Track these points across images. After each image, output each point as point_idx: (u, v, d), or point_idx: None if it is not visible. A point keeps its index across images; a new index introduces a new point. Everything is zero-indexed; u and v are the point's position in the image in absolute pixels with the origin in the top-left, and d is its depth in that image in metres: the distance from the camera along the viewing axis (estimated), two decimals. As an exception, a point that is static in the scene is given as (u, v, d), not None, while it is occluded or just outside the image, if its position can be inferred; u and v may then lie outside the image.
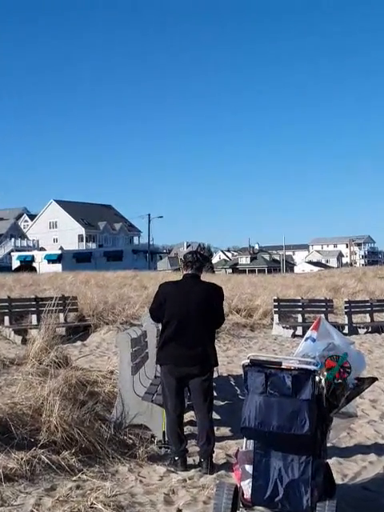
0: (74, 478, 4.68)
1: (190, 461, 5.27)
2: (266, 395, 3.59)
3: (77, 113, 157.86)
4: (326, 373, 3.70)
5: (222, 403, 7.59)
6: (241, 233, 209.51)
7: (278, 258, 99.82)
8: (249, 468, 3.70)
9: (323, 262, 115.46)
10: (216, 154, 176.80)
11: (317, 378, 3.60)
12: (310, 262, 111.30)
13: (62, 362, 7.91)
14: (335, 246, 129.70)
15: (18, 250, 71.95)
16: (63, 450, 5.04)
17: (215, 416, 6.52)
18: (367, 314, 16.85)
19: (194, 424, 5.80)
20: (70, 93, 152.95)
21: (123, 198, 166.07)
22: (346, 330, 15.18)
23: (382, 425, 6.75)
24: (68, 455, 4.97)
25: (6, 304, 13.31)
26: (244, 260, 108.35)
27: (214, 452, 5.22)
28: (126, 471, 5.00)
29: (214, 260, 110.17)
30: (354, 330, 15.58)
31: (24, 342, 11.22)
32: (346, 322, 15.78)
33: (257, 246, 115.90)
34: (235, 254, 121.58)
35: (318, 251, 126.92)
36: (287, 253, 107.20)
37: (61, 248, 72.86)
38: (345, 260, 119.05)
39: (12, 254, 68.99)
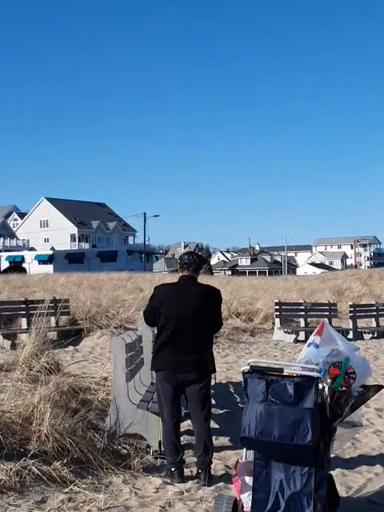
0: (66, 490, 4.58)
1: (187, 472, 5.16)
2: (267, 403, 3.48)
3: (69, 108, 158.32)
4: (329, 380, 3.58)
5: (221, 412, 7.49)
6: (241, 233, 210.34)
7: (280, 260, 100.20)
8: (249, 480, 3.62)
9: (327, 263, 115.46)
10: (215, 151, 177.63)
11: (320, 386, 3.48)
12: (313, 264, 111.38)
13: (53, 368, 7.79)
14: (339, 246, 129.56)
15: (7, 250, 71.48)
16: (54, 461, 4.92)
17: (214, 425, 6.43)
18: (373, 319, 16.68)
19: (191, 433, 5.70)
20: (63, 88, 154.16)
21: (118, 196, 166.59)
22: (350, 335, 15.07)
23: (388, 435, 6.65)
24: (59, 466, 4.85)
25: (-5, 307, 13.14)
26: (244, 261, 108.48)
27: (212, 463, 5.11)
28: (120, 483, 4.88)
29: (213, 261, 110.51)
30: (358, 336, 15.45)
31: (13, 346, 11.10)
32: (351, 326, 15.64)
33: (257, 247, 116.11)
34: (235, 254, 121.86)
35: (321, 252, 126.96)
36: (289, 254, 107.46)
37: (52, 248, 72.57)
38: (349, 262, 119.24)
39: (1, 254, 68.05)
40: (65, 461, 4.92)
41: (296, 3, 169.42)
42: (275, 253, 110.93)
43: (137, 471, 5.14)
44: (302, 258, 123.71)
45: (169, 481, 4.97)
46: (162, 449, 5.35)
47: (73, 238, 79.65)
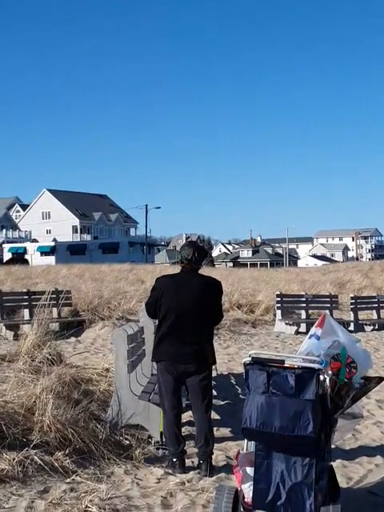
0: (68, 480, 4.59)
1: (188, 463, 5.16)
2: (268, 395, 3.48)
3: (70, 100, 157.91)
4: (331, 373, 3.57)
5: (222, 403, 7.47)
6: (242, 225, 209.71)
7: (281, 252, 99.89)
8: (250, 470, 3.62)
9: (328, 255, 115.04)
10: (217, 142, 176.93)
11: (321, 377, 3.48)
12: (315, 256, 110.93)
13: (55, 359, 7.77)
14: (341, 239, 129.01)
15: (9, 241, 71.47)
16: (56, 451, 4.94)
17: (215, 416, 6.43)
18: (374, 311, 16.65)
19: (192, 424, 5.70)
20: (64, 80, 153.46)
21: (119, 188, 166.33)
22: (351, 327, 15.06)
23: (388, 426, 6.65)
24: (61, 456, 4.87)
25: (-3, 298, 13.14)
26: (245, 253, 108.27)
27: (213, 453, 5.12)
28: (122, 473, 4.89)
29: (214, 253, 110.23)
30: (360, 327, 15.44)
31: (16, 337, 11.08)
32: (352, 318, 15.62)
33: (259, 239, 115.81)
34: (236, 246, 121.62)
35: (322, 244, 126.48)
36: (291, 246, 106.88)
37: (54, 239, 72.46)
38: (351, 254, 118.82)
39: (3, 245, 68.01)
40: (67, 451, 4.94)
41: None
42: (276, 245, 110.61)
43: (138, 462, 5.15)
44: (303, 249, 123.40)
45: (170, 471, 4.98)
46: (164, 440, 5.34)
47: (75, 229, 79.52)
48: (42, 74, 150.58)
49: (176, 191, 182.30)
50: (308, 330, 10.40)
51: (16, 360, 7.89)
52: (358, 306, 16.08)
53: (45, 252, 65.08)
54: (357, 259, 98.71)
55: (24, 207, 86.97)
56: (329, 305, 15.93)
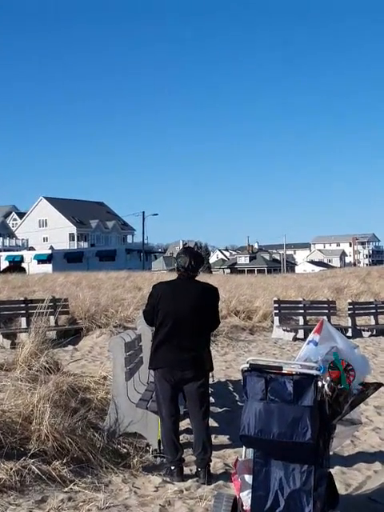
0: (66, 489, 4.57)
1: (186, 470, 5.14)
2: (266, 401, 3.46)
3: (67, 108, 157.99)
4: (329, 379, 3.56)
5: (220, 410, 7.47)
6: (239, 231, 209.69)
7: (279, 258, 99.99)
8: (248, 478, 3.60)
9: (325, 261, 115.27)
10: (214, 149, 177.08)
11: (319, 384, 3.47)
12: (312, 262, 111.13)
13: (52, 368, 7.77)
14: (338, 244, 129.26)
15: (6, 249, 71.37)
16: (54, 460, 4.91)
17: (213, 423, 6.41)
18: (372, 316, 16.68)
19: (190, 432, 5.68)
20: (61, 87, 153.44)
21: (116, 195, 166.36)
22: (349, 333, 15.08)
23: (387, 432, 6.64)
24: (59, 465, 4.84)
25: (-5, 307, 13.12)
26: (243, 260, 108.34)
27: (211, 461, 5.10)
28: (120, 482, 4.87)
29: (212, 259, 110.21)
30: (357, 333, 15.46)
31: (13, 346, 11.06)
32: (350, 324, 15.66)
33: (256, 245, 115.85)
34: (233, 253, 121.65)
35: (320, 250, 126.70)
36: (288, 252, 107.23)
37: (51, 247, 72.41)
38: (348, 259, 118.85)
39: (0, 254, 68.08)
40: (64, 460, 4.91)
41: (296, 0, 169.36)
42: (274, 251, 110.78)
43: (136, 470, 5.13)
44: (300, 256, 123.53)
45: (168, 479, 4.95)
46: (162, 448, 5.33)
47: (72, 237, 79.52)
48: (40, 82, 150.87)
49: (173, 198, 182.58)
50: (306, 336, 10.43)
51: (13, 368, 7.87)
52: (356, 312, 16.10)
53: (42, 260, 65.07)
54: (354, 265, 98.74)
55: (21, 215, 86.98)
56: (326, 311, 15.95)
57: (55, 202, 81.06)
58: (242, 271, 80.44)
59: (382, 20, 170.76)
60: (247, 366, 3.56)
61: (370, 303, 17.39)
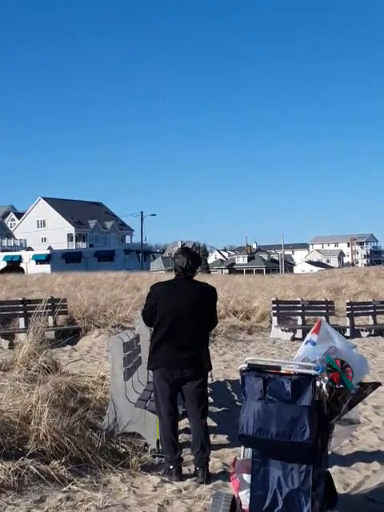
0: (64, 489, 4.56)
1: (185, 470, 5.14)
2: (265, 401, 3.47)
3: (65, 109, 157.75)
4: (327, 379, 3.56)
5: (219, 410, 7.46)
6: (238, 231, 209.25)
7: (277, 258, 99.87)
8: (247, 477, 3.60)
9: (324, 261, 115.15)
10: (211, 149, 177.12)
11: (317, 383, 3.47)
12: (310, 262, 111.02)
13: (51, 368, 7.75)
14: (336, 244, 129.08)
15: (4, 249, 71.26)
16: (53, 460, 4.91)
17: (211, 423, 6.42)
18: (370, 316, 16.65)
19: (188, 432, 5.68)
20: (59, 89, 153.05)
21: (114, 196, 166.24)
22: (347, 333, 15.06)
23: (385, 432, 6.63)
24: (58, 465, 4.84)
25: (-7, 307, 13.11)
26: (241, 260, 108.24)
27: (209, 460, 5.10)
28: (119, 481, 4.87)
29: (210, 260, 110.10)
30: (356, 333, 15.44)
31: (11, 346, 11.04)
32: (348, 324, 15.64)
33: (254, 246, 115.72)
34: (232, 253, 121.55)
35: (318, 250, 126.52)
36: (286, 252, 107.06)
37: (49, 248, 72.33)
38: (346, 260, 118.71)
39: (-2, 254, 68.30)
40: (63, 460, 4.91)
41: (295, 8, 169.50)
42: (272, 251, 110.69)
43: (135, 470, 5.12)
44: (299, 256, 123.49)
45: (167, 479, 4.95)
46: (160, 447, 5.33)
47: (70, 237, 79.42)
48: (39, 85, 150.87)
49: (172, 198, 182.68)
50: (304, 336, 10.43)
51: (11, 369, 7.86)
52: (354, 312, 16.08)
53: (40, 260, 64.96)
54: (352, 265, 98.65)
55: (19, 215, 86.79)
56: (325, 311, 15.93)
57: (53, 202, 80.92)
58: (241, 271, 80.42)
59: (381, 29, 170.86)
60: (245, 365, 3.57)
61: (369, 303, 17.38)
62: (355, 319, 16.05)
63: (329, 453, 3.75)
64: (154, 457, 5.47)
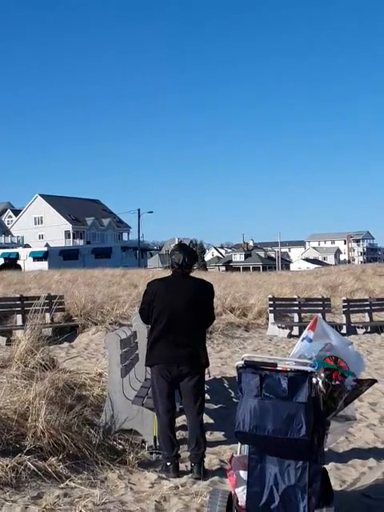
0: (62, 486, 4.56)
1: (182, 467, 5.15)
2: (261, 398, 3.47)
3: (63, 106, 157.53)
4: (322, 374, 3.57)
5: (216, 407, 7.47)
6: (234, 228, 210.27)
7: (274, 255, 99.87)
8: (243, 474, 3.61)
9: (320, 259, 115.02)
10: (208, 147, 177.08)
11: (314, 380, 3.48)
12: (307, 259, 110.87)
13: (48, 365, 7.74)
14: (333, 242, 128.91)
15: (1, 246, 71.03)
16: (50, 456, 4.91)
17: (208, 420, 6.43)
18: (366, 314, 16.71)
19: (186, 428, 5.67)
20: (58, 86, 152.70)
21: (112, 193, 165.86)
22: (344, 330, 15.10)
23: (381, 429, 6.64)
24: (55, 461, 4.84)
25: (-10, 304, 13.09)
26: (238, 257, 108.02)
27: (205, 456, 5.11)
28: (116, 478, 4.87)
29: (207, 257, 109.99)
30: (352, 330, 15.47)
31: (8, 343, 11.01)
32: (344, 321, 15.67)
33: (251, 243, 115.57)
34: (228, 250, 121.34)
35: (314, 248, 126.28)
36: (283, 249, 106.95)
37: (47, 245, 72.19)
38: (343, 257, 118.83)
39: (-5, 251, 68.07)
40: (60, 456, 4.91)
41: (294, 4, 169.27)
42: (269, 248, 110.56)
43: (132, 466, 5.13)
44: (295, 253, 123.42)
45: (164, 476, 4.96)
46: (157, 444, 5.34)
47: (67, 234, 79.29)
48: (37, 83, 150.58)
49: (168, 196, 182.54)
50: (301, 333, 10.43)
51: (9, 366, 7.85)
52: (351, 309, 16.13)
53: (37, 257, 64.86)
54: (349, 262, 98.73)
55: (16, 212, 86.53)
56: (321, 308, 15.97)
57: (51, 199, 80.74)
58: (237, 269, 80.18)
59: (381, 25, 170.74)
60: (242, 362, 3.57)
61: (365, 300, 17.43)
62: (351, 316, 16.09)
63: (325, 449, 3.76)
64: (151, 453, 5.47)
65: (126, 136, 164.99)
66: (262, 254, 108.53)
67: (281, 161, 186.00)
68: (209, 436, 5.63)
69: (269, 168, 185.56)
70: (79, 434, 5.30)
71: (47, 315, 12.88)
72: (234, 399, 7.62)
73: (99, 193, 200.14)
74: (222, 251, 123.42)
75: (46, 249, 68.51)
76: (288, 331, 14.46)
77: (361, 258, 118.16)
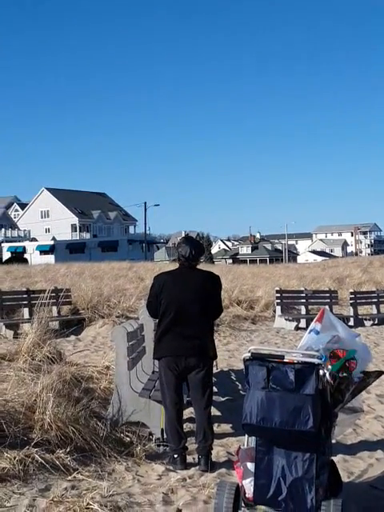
0: (69, 478, 4.57)
1: (189, 459, 5.15)
2: (268, 390, 3.49)
3: (69, 99, 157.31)
4: (329, 366, 3.57)
5: (223, 399, 7.48)
6: (241, 221, 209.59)
7: (281, 248, 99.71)
8: (251, 466, 3.63)
9: (327, 251, 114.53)
10: (215, 139, 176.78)
11: (321, 372, 3.48)
12: (314, 252, 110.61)
13: (55, 358, 7.76)
14: (340, 234, 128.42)
15: (8, 240, 71.25)
16: (57, 449, 4.91)
17: (216, 412, 6.43)
18: (373, 306, 16.70)
19: (193, 421, 5.69)
20: (62, 80, 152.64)
21: (118, 186, 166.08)
22: (351, 322, 15.10)
23: (389, 420, 6.64)
24: (62, 454, 4.85)
25: (-3, 297, 13.12)
26: (245, 250, 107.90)
27: (212, 448, 5.11)
28: (123, 470, 4.88)
29: (214, 250, 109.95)
30: (359, 322, 15.47)
31: (16, 336, 11.04)
32: (352, 313, 15.67)
33: (258, 235, 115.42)
34: (235, 243, 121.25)
35: (321, 240, 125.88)
36: (290, 242, 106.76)
37: (53, 238, 72.32)
38: (350, 249, 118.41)
39: (2, 244, 67.59)
40: (68, 449, 4.92)
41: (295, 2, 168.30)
42: (276, 241, 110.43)
43: (139, 459, 5.13)
44: (302, 245, 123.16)
45: (171, 468, 4.97)
46: (165, 436, 5.35)
47: (74, 228, 79.34)
48: (42, 77, 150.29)
49: (175, 188, 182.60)
50: (308, 325, 10.41)
51: (16, 359, 7.88)
52: (358, 301, 16.10)
53: (44, 251, 65.05)
54: (356, 254, 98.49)
55: (23, 206, 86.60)
56: (328, 300, 15.96)
57: (57, 192, 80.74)
58: (244, 261, 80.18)
59: (381, 23, 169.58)
60: (249, 355, 3.57)
61: (372, 292, 17.40)
62: (359, 308, 16.07)
63: (333, 441, 3.77)
64: (159, 446, 5.48)
65: (132, 129, 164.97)
66: (268, 246, 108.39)
67: (288, 153, 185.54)
68: (216, 428, 5.63)
69: (276, 160, 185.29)
70: (86, 426, 5.31)
71: (54, 308, 12.91)
72: (241, 391, 7.63)
73: (106, 186, 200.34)
74: (229, 244, 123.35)
75: (52, 242, 68.66)
76: (295, 323, 14.45)
77: (368, 250, 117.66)
